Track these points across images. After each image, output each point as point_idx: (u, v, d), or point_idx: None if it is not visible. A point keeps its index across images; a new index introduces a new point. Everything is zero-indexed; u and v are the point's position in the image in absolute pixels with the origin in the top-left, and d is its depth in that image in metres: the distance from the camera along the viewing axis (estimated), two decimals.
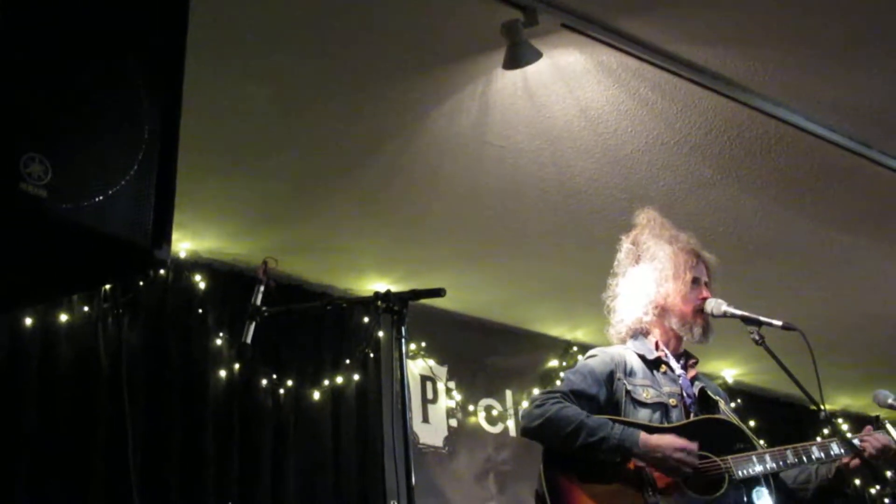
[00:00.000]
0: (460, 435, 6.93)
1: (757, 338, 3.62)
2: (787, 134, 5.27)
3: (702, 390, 3.84)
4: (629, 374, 3.72)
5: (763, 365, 7.82)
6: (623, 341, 3.92)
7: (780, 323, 3.61)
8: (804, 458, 3.66)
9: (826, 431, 8.78)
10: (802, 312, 6.79)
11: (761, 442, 3.74)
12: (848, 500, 3.77)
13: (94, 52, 2.32)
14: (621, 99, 4.96)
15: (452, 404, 6.98)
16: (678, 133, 5.27)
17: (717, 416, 3.78)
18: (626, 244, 4.04)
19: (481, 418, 7.10)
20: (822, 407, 3.54)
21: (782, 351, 3.59)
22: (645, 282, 3.88)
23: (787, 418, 8.72)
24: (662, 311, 3.87)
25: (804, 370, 3.53)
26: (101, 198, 2.24)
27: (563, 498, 3.40)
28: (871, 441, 3.64)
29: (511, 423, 7.21)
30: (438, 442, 6.79)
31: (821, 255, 6.59)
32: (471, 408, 7.06)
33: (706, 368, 8.43)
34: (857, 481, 3.70)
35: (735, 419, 3.81)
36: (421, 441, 6.66)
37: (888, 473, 3.74)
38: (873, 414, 9.46)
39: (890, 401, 3.84)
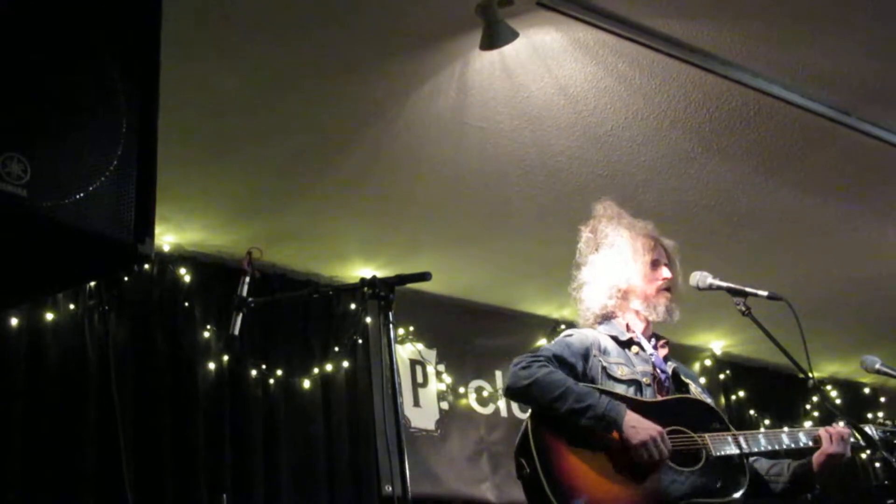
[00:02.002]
0: (452, 417, 6.94)
1: (743, 309, 3.66)
2: (766, 104, 5.28)
3: (675, 370, 3.91)
4: (604, 352, 3.79)
5: (751, 335, 7.86)
6: (592, 327, 3.97)
7: (765, 293, 3.65)
8: (775, 444, 3.74)
9: (815, 399, 8.84)
10: (788, 281, 6.83)
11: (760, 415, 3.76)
12: (816, 497, 3.85)
13: (69, 49, 2.31)
14: (600, 76, 4.96)
15: (443, 387, 6.99)
16: (658, 108, 5.27)
17: (695, 396, 3.85)
18: (584, 234, 4.11)
19: (472, 400, 7.11)
20: (810, 375, 3.58)
21: (769, 320, 3.61)
22: (606, 267, 3.95)
23: (776, 387, 8.77)
24: (625, 294, 3.94)
25: (791, 339, 3.55)
26: (81, 195, 2.23)
27: (553, 460, 3.44)
28: (829, 430, 3.74)
29: (502, 404, 7.22)
30: (430, 425, 6.80)
31: (804, 224, 6.62)
32: (461, 390, 7.07)
33: (694, 341, 8.47)
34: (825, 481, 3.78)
35: (709, 401, 3.88)
36: (412, 425, 6.67)
37: (876, 437, 3.78)
38: (861, 380, 9.55)
39: (877, 366, 3.89)
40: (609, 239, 3.99)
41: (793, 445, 3.77)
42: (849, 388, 9.53)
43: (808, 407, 8.99)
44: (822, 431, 3.75)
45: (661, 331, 4.04)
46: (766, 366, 8.80)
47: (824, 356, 8.78)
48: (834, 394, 9.21)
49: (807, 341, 3.52)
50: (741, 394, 8.69)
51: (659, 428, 3.47)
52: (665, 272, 3.93)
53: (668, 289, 3.91)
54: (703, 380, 8.38)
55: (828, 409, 8.64)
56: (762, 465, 3.86)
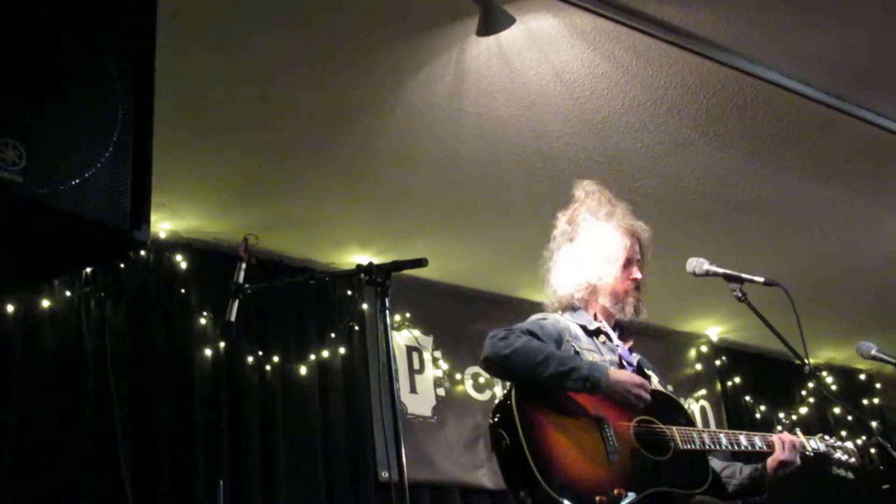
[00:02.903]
0: (448, 403, 6.95)
1: (740, 295, 3.66)
2: (762, 90, 5.28)
3: (639, 362, 3.96)
4: (575, 338, 3.80)
5: (747, 321, 7.87)
6: (558, 313, 3.98)
7: (762, 279, 3.65)
8: (734, 445, 3.83)
9: (811, 385, 8.85)
10: (784, 267, 6.83)
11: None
12: (763, 501, 3.94)
13: (64, 35, 2.31)
14: (596, 62, 4.95)
15: (439, 373, 6.99)
16: (654, 94, 5.26)
17: (661, 389, 3.90)
18: (561, 223, 4.11)
19: (469, 386, 7.11)
20: (806, 361, 3.59)
21: (765, 307, 3.61)
22: (578, 261, 3.96)
23: (773, 374, 8.78)
24: (595, 290, 3.95)
25: (788, 325, 3.56)
26: (77, 181, 2.23)
27: (534, 432, 3.44)
28: (782, 437, 3.85)
29: (498, 390, 7.22)
30: (427, 411, 6.81)
31: (800, 209, 6.62)
32: (458, 376, 7.08)
33: (690, 327, 8.48)
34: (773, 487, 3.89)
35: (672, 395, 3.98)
36: (409, 411, 6.68)
37: (873, 424, 3.82)
38: (857, 366, 9.56)
39: (873, 352, 3.91)
40: (584, 232, 3.99)
41: (749, 448, 3.86)
42: (845, 374, 9.54)
43: (803, 393, 9.01)
44: (775, 438, 3.86)
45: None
46: (762, 352, 8.81)
47: (820, 342, 8.79)
48: (830, 380, 9.22)
49: (803, 327, 3.53)
50: (737, 380, 8.70)
51: (642, 380, 3.61)
52: (636, 272, 3.95)
53: (637, 288, 3.94)
54: (698, 366, 8.47)
55: (823, 395, 8.66)
56: (716, 465, 3.91)
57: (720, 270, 3.76)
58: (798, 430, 3.99)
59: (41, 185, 2.15)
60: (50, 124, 2.22)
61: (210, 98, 4.89)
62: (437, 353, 7.05)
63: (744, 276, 3.68)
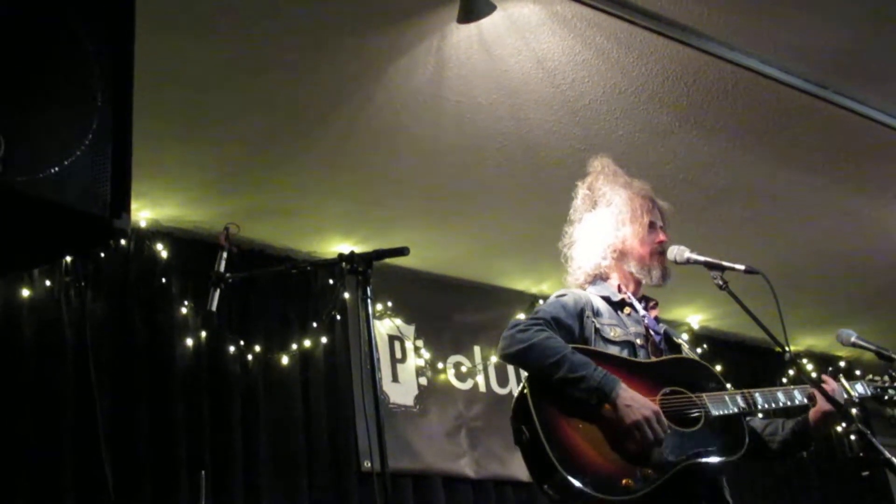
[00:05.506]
0: (430, 393, 6.94)
1: (720, 283, 3.64)
2: (743, 78, 5.29)
3: (666, 331, 3.88)
4: (596, 314, 3.72)
5: (728, 309, 7.90)
6: (582, 288, 3.92)
7: (742, 267, 3.64)
8: (772, 402, 3.73)
9: (791, 372, 8.89)
10: (765, 254, 6.87)
11: (728, 385, 3.77)
12: (810, 455, 3.84)
13: (43, 22, 2.29)
14: (577, 49, 4.95)
15: (421, 363, 6.99)
16: (635, 81, 5.27)
17: (690, 356, 3.82)
18: (581, 190, 4.05)
19: (451, 375, 7.11)
20: (786, 348, 3.58)
21: (746, 294, 3.61)
22: (602, 226, 3.90)
23: (753, 361, 8.81)
24: (621, 255, 3.89)
25: (768, 312, 3.56)
26: (56, 169, 2.22)
27: (553, 424, 3.36)
28: (826, 388, 3.70)
29: (480, 379, 7.23)
30: (409, 401, 6.81)
31: (781, 197, 6.64)
32: (440, 365, 7.07)
33: (671, 315, 8.50)
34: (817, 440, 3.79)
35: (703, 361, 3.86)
36: (391, 401, 6.67)
37: (854, 411, 3.80)
38: (837, 353, 9.61)
39: (853, 339, 3.91)
40: (607, 197, 3.94)
41: (789, 403, 3.76)
42: (825, 361, 9.59)
43: (784, 380, 9.03)
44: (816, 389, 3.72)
45: (649, 294, 4.02)
46: (743, 339, 8.84)
47: (801, 329, 8.83)
48: (810, 367, 9.26)
49: (783, 315, 3.52)
50: (718, 368, 8.61)
51: (655, 407, 3.39)
52: (661, 235, 3.90)
53: (663, 252, 3.86)
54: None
55: (804, 382, 8.68)
56: (757, 424, 3.84)
57: (701, 258, 3.74)
58: (841, 377, 3.86)
59: (20, 174, 2.13)
60: (28, 112, 2.20)
61: (190, 86, 4.87)
62: (419, 343, 7.05)
63: (725, 264, 3.67)
